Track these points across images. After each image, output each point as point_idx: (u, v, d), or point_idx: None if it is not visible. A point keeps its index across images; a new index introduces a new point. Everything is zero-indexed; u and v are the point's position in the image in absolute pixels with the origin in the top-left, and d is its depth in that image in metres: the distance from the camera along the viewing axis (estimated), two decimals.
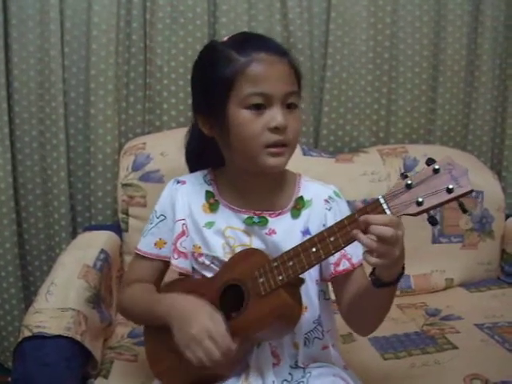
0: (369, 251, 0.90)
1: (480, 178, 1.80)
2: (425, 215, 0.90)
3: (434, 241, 1.76)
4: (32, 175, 1.82)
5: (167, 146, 1.62)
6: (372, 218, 0.89)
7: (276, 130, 1.01)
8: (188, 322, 0.99)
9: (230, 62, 1.02)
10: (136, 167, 1.65)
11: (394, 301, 1.58)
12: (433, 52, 1.92)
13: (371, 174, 1.73)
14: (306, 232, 1.09)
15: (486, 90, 1.95)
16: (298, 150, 1.74)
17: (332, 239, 0.94)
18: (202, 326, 0.98)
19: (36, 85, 1.76)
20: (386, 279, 0.95)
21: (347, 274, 1.09)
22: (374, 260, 0.90)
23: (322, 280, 1.12)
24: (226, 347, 0.97)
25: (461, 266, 1.79)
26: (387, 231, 0.87)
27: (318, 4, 1.85)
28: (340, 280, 1.10)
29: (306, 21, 1.82)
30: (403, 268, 0.97)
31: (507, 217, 1.85)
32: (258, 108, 1.01)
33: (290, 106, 1.04)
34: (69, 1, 1.74)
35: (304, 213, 1.11)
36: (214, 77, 1.04)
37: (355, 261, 1.08)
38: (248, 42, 1.06)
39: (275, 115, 1.01)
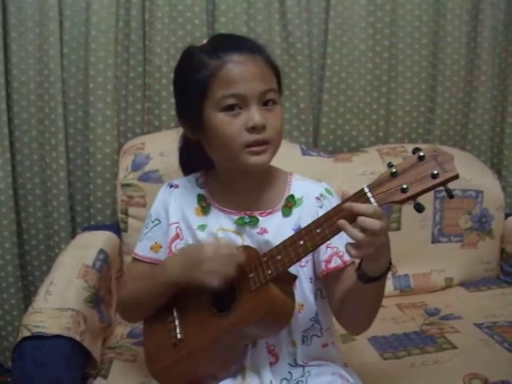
0: (352, 243, 0.90)
1: (480, 177, 1.80)
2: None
3: (434, 240, 1.76)
4: (31, 175, 1.82)
5: (166, 146, 1.61)
6: (356, 206, 0.89)
7: (254, 129, 1.01)
8: (193, 257, 1.03)
9: (202, 66, 1.03)
10: (135, 167, 1.65)
11: (393, 300, 1.58)
12: (432, 51, 1.92)
13: (370, 173, 1.72)
14: (297, 230, 1.08)
15: (485, 89, 1.95)
16: (296, 150, 1.76)
17: (318, 231, 0.94)
18: (206, 248, 1.02)
19: (35, 85, 1.76)
20: (372, 274, 0.95)
21: (339, 271, 1.08)
22: (355, 252, 0.90)
23: (316, 278, 1.12)
24: (233, 249, 1.02)
25: (460, 265, 1.79)
26: (375, 224, 0.87)
27: (316, 3, 1.85)
28: (332, 277, 1.09)
29: (305, 20, 1.82)
30: (390, 263, 0.97)
31: (507, 216, 1.85)
32: (233, 109, 1.02)
33: (268, 103, 1.04)
34: (68, 1, 1.73)
35: (295, 211, 1.11)
36: (188, 82, 1.05)
37: (347, 258, 1.08)
38: (219, 44, 1.07)
39: (252, 115, 1.01)
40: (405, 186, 0.87)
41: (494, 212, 1.80)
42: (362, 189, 0.91)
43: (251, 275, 1.00)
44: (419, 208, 0.89)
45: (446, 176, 0.86)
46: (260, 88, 1.02)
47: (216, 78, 1.01)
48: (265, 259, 0.99)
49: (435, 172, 0.86)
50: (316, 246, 0.96)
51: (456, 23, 1.90)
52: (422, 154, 0.88)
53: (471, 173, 1.77)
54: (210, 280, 1.00)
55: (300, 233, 0.97)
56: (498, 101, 1.99)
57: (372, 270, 0.95)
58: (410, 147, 1.78)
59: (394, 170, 0.89)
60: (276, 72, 1.09)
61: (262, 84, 1.03)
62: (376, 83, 1.90)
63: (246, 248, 1.05)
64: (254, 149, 1.02)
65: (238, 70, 1.01)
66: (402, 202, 0.89)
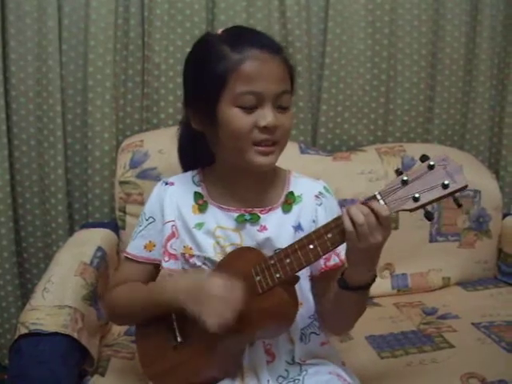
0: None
1: (477, 177, 1.80)
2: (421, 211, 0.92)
3: (431, 239, 1.76)
4: (29, 172, 1.82)
5: (165, 144, 1.61)
6: (374, 203, 0.92)
7: (265, 129, 1.01)
8: (201, 290, 0.97)
9: (222, 58, 1.01)
10: (133, 165, 1.64)
11: (391, 299, 1.57)
12: (431, 51, 1.92)
13: (369, 172, 1.73)
14: (297, 227, 1.09)
15: (483, 89, 1.95)
16: (295, 148, 1.76)
17: (329, 236, 0.94)
18: (216, 285, 0.96)
19: (34, 82, 1.76)
20: (351, 282, 0.97)
21: (336, 269, 1.09)
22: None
23: (311, 276, 1.12)
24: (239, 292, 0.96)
25: (458, 264, 1.79)
26: (359, 217, 0.90)
27: (316, 2, 1.85)
28: (327, 275, 1.10)
29: (304, 19, 1.82)
30: (373, 280, 0.99)
31: (504, 216, 1.85)
32: (250, 107, 1.01)
33: (280, 107, 1.03)
34: None
35: (295, 208, 1.11)
36: (206, 73, 1.03)
37: (343, 257, 1.08)
38: (242, 37, 1.05)
39: (266, 114, 1.00)
40: (417, 196, 0.89)
41: (492, 212, 1.81)
42: (375, 195, 0.93)
43: (257, 278, 0.99)
44: (429, 216, 0.91)
45: (456, 187, 0.89)
46: (276, 89, 1.01)
47: (236, 73, 1.00)
48: (272, 262, 0.99)
49: (446, 182, 0.88)
50: (327, 252, 0.97)
51: (455, 23, 1.90)
52: (432, 163, 0.89)
53: (469, 173, 1.74)
54: (211, 324, 0.94)
55: (310, 236, 0.97)
56: (497, 101, 1.99)
57: (351, 277, 0.97)
58: (408, 146, 1.83)
59: (405, 178, 0.90)
60: (292, 74, 1.08)
61: (279, 85, 1.02)
62: (375, 82, 1.90)
63: (250, 249, 1.04)
64: (262, 149, 1.02)
65: (259, 68, 1.00)
66: (413, 210, 0.91)
